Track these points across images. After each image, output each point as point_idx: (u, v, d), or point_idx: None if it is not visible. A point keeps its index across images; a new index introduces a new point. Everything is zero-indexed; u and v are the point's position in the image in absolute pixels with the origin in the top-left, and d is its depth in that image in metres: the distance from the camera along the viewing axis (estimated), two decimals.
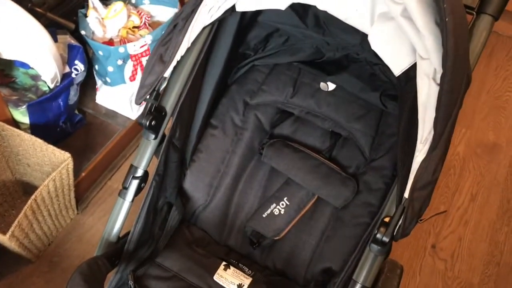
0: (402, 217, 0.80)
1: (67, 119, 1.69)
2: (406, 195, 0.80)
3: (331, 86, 1.18)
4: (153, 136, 0.98)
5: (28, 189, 1.68)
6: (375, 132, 1.14)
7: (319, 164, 1.13)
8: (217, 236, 1.18)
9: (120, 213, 1.01)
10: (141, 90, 0.93)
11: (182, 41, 0.92)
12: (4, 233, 1.30)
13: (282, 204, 1.14)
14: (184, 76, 0.98)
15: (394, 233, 0.81)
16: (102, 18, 1.75)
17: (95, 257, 0.93)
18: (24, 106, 1.51)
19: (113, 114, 1.86)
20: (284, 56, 1.21)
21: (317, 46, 1.18)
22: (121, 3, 1.76)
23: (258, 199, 1.18)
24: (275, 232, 1.13)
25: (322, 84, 1.18)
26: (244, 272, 1.09)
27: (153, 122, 0.94)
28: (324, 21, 1.07)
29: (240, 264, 1.12)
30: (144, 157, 0.99)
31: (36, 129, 1.57)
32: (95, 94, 1.88)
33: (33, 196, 1.35)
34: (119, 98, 1.81)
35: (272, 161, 1.16)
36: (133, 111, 1.84)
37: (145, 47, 1.69)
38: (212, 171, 1.17)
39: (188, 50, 0.95)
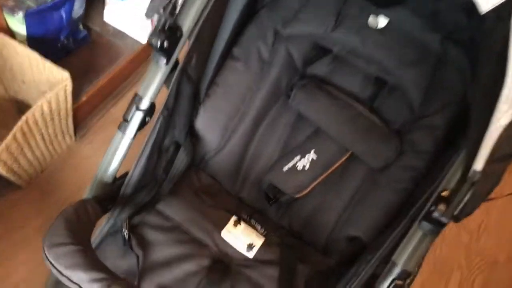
0: (469, 193, 0.63)
1: (69, 34, 1.51)
2: (476, 166, 0.63)
3: (382, 22, 0.98)
4: (164, 60, 0.80)
5: (23, 108, 1.52)
6: (429, 83, 0.95)
7: (357, 115, 0.95)
8: (228, 186, 1.03)
9: (118, 150, 0.85)
10: (155, 1, 0.74)
11: None
12: None
13: (308, 158, 0.98)
14: None
15: (456, 212, 0.65)
16: None
17: (84, 200, 0.78)
18: (21, 14, 1.32)
19: (121, 35, 1.67)
20: None
21: None
22: None
23: (279, 149, 1.01)
24: (296, 189, 0.97)
25: (371, 19, 0.98)
26: (256, 230, 0.95)
27: (165, 43, 0.76)
28: None
29: (252, 220, 0.97)
30: (152, 86, 0.82)
31: (33, 42, 1.39)
32: (104, 10, 1.67)
33: (24, 117, 1.19)
34: (130, 17, 1.61)
35: (301, 105, 0.98)
36: (144, 33, 1.64)
37: None
38: (229, 110, 1.00)
39: None
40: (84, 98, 1.49)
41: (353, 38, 0.98)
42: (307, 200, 0.99)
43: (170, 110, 0.87)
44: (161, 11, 0.74)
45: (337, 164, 0.97)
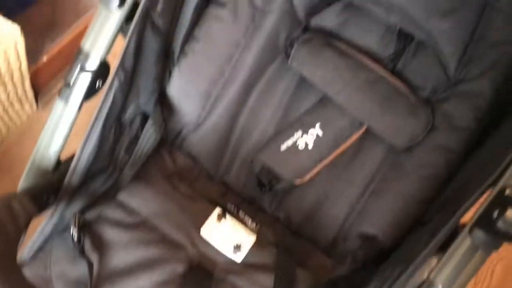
0: None
1: None
2: None
3: None
4: (116, 1, 0.57)
5: None
6: (470, 37, 0.73)
7: (376, 79, 0.74)
8: (211, 168, 0.83)
9: (60, 125, 0.64)
10: None
11: None
12: None
13: (312, 134, 0.77)
14: None
15: None
16: None
17: (10, 196, 0.58)
18: None
19: None
20: None
21: None
22: None
23: (275, 122, 0.81)
24: (296, 173, 0.78)
25: None
26: (245, 225, 0.75)
27: None
28: None
29: (240, 212, 0.77)
30: (101, 38, 0.60)
31: None
32: None
33: None
34: None
35: (303, 66, 0.77)
36: None
37: None
38: (212, 72, 0.78)
39: None
40: (44, 59, 1.27)
41: None
42: (310, 188, 0.79)
43: (129, 71, 0.65)
44: None
45: (348, 142, 0.77)
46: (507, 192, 0.49)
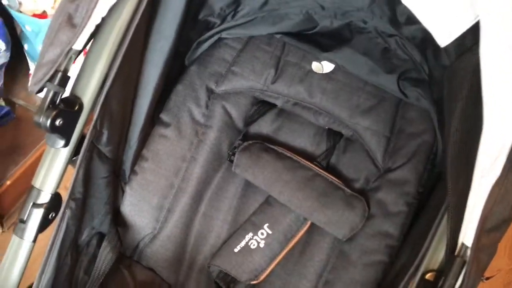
0: (463, 275, 0.48)
1: None
2: (465, 240, 0.49)
3: (328, 67, 0.85)
4: (61, 142, 0.64)
5: None
6: (390, 131, 0.81)
7: (312, 176, 0.80)
8: (171, 279, 0.84)
9: (16, 259, 0.66)
10: (39, 71, 0.59)
11: None
12: None
13: (262, 234, 0.81)
14: (109, 49, 0.63)
15: None
16: None
17: None
18: None
19: None
20: (262, 25, 0.87)
21: (307, 12, 0.85)
22: None
23: (227, 226, 0.85)
24: (251, 274, 0.80)
25: (315, 64, 0.85)
26: None
27: (58, 121, 0.60)
28: None
29: None
30: (50, 174, 0.65)
31: None
32: (28, 82, 1.51)
33: None
34: None
35: (246, 172, 0.83)
36: None
37: None
38: (161, 187, 0.83)
39: (114, 8, 0.61)
40: (8, 182, 1.30)
41: (298, 87, 0.85)
42: (267, 286, 0.81)
43: (80, 199, 0.69)
44: (49, 82, 0.59)
45: (296, 238, 0.81)
46: (428, 276, 0.54)
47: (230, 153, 0.85)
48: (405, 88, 0.80)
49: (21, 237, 0.65)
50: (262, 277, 0.80)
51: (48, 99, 0.59)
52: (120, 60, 0.63)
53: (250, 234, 0.81)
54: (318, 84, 0.84)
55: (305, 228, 0.81)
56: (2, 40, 1.27)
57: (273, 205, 0.83)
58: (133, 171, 0.83)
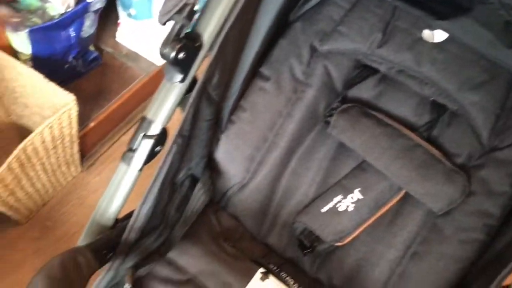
0: None
1: (79, 55, 1.38)
2: None
3: (440, 36, 0.82)
4: (180, 76, 0.65)
5: (26, 134, 1.38)
6: (501, 108, 0.77)
7: (413, 146, 0.78)
8: (254, 229, 0.86)
9: (121, 186, 0.69)
10: (168, 2, 0.60)
11: None
12: None
13: (352, 198, 0.80)
14: None
15: None
16: None
17: (76, 249, 0.62)
18: (26, 31, 1.20)
19: (135, 57, 1.54)
20: None
21: None
22: None
23: (316, 186, 0.84)
24: (336, 236, 0.80)
25: (426, 32, 0.82)
26: (288, 285, 0.77)
27: (181, 54, 0.61)
28: None
29: (282, 272, 0.80)
30: (164, 108, 0.67)
31: (38, 62, 1.27)
32: (116, 31, 1.55)
33: (21, 146, 1.05)
34: (144, 37, 1.49)
35: (343, 134, 0.82)
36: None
37: None
38: (256, 139, 0.84)
39: None
40: (92, 124, 1.35)
41: (405, 54, 0.82)
42: (351, 250, 0.81)
43: (186, 137, 0.71)
44: (176, 15, 0.60)
45: (388, 206, 0.79)
46: None
47: (327, 114, 0.84)
48: None
49: (128, 164, 0.68)
50: (347, 240, 0.80)
51: (175, 31, 0.60)
52: (240, 6, 0.64)
53: (340, 197, 0.81)
54: (428, 53, 0.81)
55: (398, 197, 0.79)
56: None
57: (367, 171, 0.81)
58: (230, 120, 0.84)
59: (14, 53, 1.25)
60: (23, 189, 1.17)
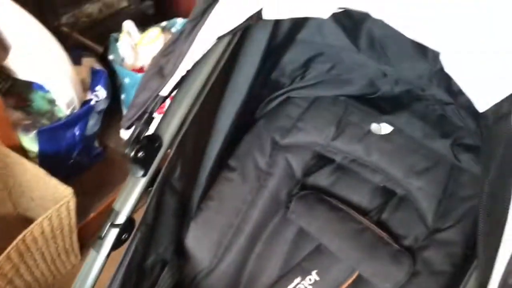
0: None
1: (83, 151, 1.51)
2: None
3: (386, 129, 0.91)
4: (141, 172, 0.74)
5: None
6: (443, 193, 0.84)
7: (363, 230, 0.84)
8: None
9: (91, 271, 0.76)
10: (130, 111, 0.71)
11: (187, 51, 0.69)
12: None
13: (310, 279, 0.86)
14: (190, 97, 0.74)
15: None
16: (135, 44, 1.60)
17: None
18: (34, 132, 1.34)
19: None
20: (327, 88, 0.96)
21: (370, 78, 0.93)
22: (157, 30, 1.61)
23: (278, 268, 0.90)
24: None
25: (374, 126, 0.92)
26: None
27: (140, 154, 0.71)
28: (380, 43, 0.82)
29: None
30: (128, 199, 0.75)
31: (44, 159, 1.40)
32: (120, 128, 1.69)
33: (20, 236, 1.14)
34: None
35: (301, 219, 0.89)
36: None
37: None
38: (223, 225, 0.91)
39: (198, 64, 0.73)
40: (92, 215, 1.44)
41: (356, 146, 0.91)
42: None
43: (150, 226, 0.79)
44: (137, 121, 0.71)
45: (343, 287, 0.84)
46: None
47: (288, 200, 0.92)
48: (458, 153, 0.84)
49: (98, 251, 0.75)
50: None
51: (135, 135, 0.71)
52: (198, 107, 0.74)
53: (299, 278, 0.86)
54: (376, 144, 0.90)
55: (352, 278, 0.84)
56: (104, 89, 1.47)
57: (323, 253, 0.87)
58: (199, 208, 0.93)
59: (23, 152, 1.38)
60: (21, 278, 1.25)
